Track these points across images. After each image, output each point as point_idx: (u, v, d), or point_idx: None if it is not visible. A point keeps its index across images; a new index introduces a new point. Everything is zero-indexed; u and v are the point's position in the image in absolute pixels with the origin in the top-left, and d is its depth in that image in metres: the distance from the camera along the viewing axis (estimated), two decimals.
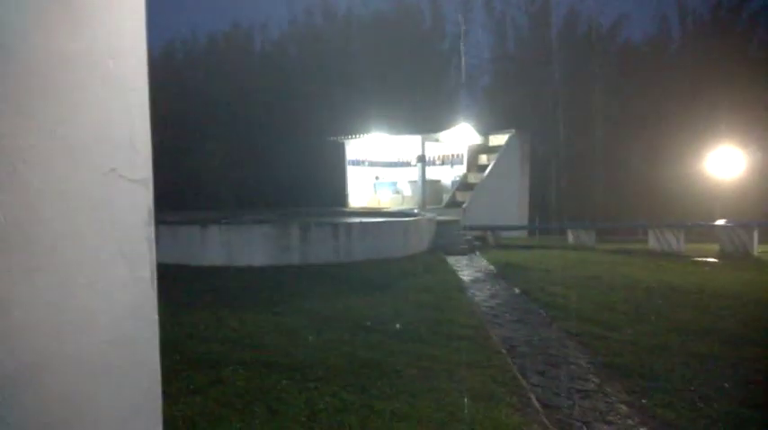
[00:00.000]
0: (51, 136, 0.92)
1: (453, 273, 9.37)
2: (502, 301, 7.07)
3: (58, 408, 0.94)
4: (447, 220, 14.14)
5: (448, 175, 20.65)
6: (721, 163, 16.98)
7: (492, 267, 10.18)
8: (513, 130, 19.81)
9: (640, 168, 22.54)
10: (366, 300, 6.76)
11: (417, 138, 18.22)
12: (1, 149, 0.85)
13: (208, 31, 34.27)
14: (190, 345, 4.67)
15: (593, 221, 19.80)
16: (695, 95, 21.70)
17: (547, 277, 8.79)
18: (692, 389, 3.88)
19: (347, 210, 18.66)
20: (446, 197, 19.35)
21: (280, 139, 24.34)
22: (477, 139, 19.78)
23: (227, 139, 24.43)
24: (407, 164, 20.78)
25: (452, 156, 20.62)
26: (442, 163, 20.92)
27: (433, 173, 20.13)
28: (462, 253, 12.23)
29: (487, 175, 18.51)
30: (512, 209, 19.26)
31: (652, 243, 13.59)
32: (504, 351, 4.80)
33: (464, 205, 17.22)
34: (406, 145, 19.56)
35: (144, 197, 1.08)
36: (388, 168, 21.60)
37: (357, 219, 12.20)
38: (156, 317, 1.12)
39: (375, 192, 20.92)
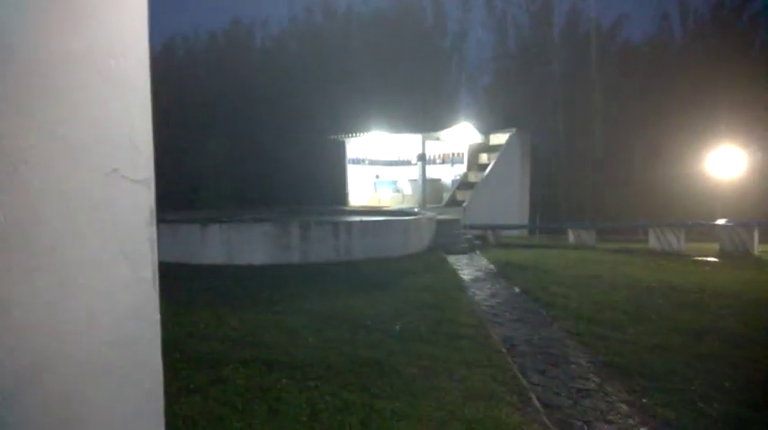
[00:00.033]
0: (52, 136, 0.91)
1: (453, 272, 9.37)
2: (502, 300, 7.07)
3: (59, 409, 0.93)
4: (447, 219, 14.13)
5: (448, 174, 20.64)
6: (722, 163, 16.97)
7: (492, 266, 10.17)
8: (514, 129, 19.79)
9: (641, 168, 22.54)
10: (366, 299, 6.76)
11: (418, 137, 18.21)
12: (2, 150, 0.84)
13: (208, 28, 34.23)
14: (190, 344, 4.67)
15: (594, 220, 19.80)
16: (696, 95, 21.68)
17: (547, 276, 8.78)
18: (693, 388, 3.88)
19: (347, 208, 18.65)
20: (446, 196, 19.35)
21: (280, 138, 24.33)
22: (477, 138, 19.76)
23: (227, 138, 24.41)
24: (408, 162, 20.78)
25: (453, 154, 20.61)
26: (443, 162, 20.91)
27: (433, 171, 20.11)
28: (462, 252, 12.23)
29: (488, 174, 18.50)
30: (512, 208, 19.26)
31: (652, 242, 13.58)
32: (504, 350, 4.80)
33: (464, 204, 17.21)
34: (407, 143, 19.55)
35: (146, 197, 1.08)
36: (388, 167, 21.59)
37: (357, 218, 12.19)
38: (158, 317, 1.12)
39: (375, 190, 20.92)
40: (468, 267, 10.10)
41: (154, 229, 1.10)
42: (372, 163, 21.37)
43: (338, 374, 3.98)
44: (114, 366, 1.02)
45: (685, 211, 18.61)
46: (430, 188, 18.80)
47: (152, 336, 1.10)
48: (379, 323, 5.55)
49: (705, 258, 11.78)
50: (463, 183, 19.46)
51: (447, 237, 12.90)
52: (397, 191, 20.45)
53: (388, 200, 20.03)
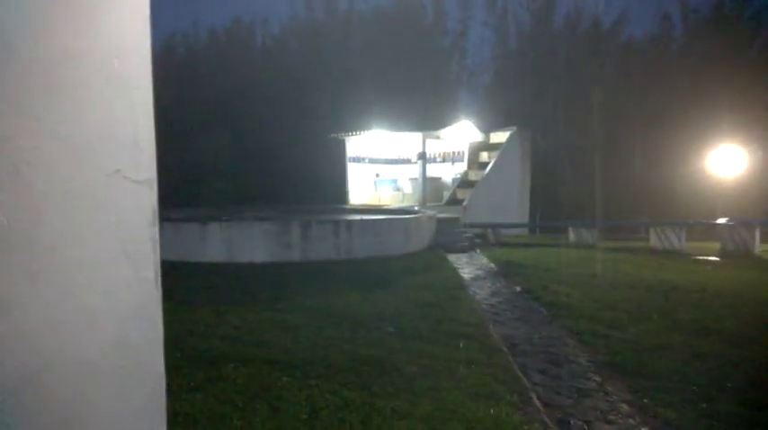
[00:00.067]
0: (54, 136, 0.91)
1: (454, 271, 9.36)
2: (503, 299, 7.06)
3: (60, 411, 0.93)
4: (447, 218, 14.12)
5: (449, 173, 20.62)
6: (723, 161, 16.95)
7: (492, 265, 10.16)
8: (515, 128, 19.76)
9: (642, 166, 22.51)
10: (367, 298, 6.76)
11: (418, 136, 18.19)
12: (4, 151, 0.84)
13: (209, 25, 34.18)
14: (190, 342, 4.67)
15: (595, 219, 19.77)
16: (697, 93, 21.65)
17: (547, 275, 8.78)
18: (695, 388, 3.87)
19: (348, 207, 18.64)
20: (447, 194, 19.33)
21: (280, 136, 24.31)
22: (478, 137, 19.74)
23: (227, 136, 24.38)
24: (408, 161, 20.76)
25: (453, 153, 20.58)
26: (443, 160, 20.89)
27: (433, 170, 20.09)
28: (463, 250, 12.22)
29: (488, 173, 18.48)
30: (512, 206, 19.24)
31: (653, 241, 13.58)
32: (504, 349, 4.79)
33: (465, 203, 17.20)
34: (407, 142, 19.52)
35: (148, 197, 1.07)
36: (388, 165, 21.57)
37: (358, 217, 12.18)
38: (160, 318, 1.11)
39: (376, 189, 20.90)
40: (468, 266, 10.09)
41: (156, 229, 1.09)
42: (373, 161, 21.35)
43: (339, 372, 3.98)
44: (116, 367, 1.01)
45: (686, 210, 18.60)
46: (430, 187, 18.78)
47: (154, 337, 1.09)
48: (380, 322, 5.55)
49: (706, 257, 11.78)
50: (463, 182, 19.44)
51: (447, 236, 12.89)
52: (398, 189, 20.44)
53: (388, 198, 20.02)
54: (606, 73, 24.71)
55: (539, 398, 3.67)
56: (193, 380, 3.76)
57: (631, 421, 3.36)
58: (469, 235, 13.64)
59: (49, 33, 0.89)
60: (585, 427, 3.28)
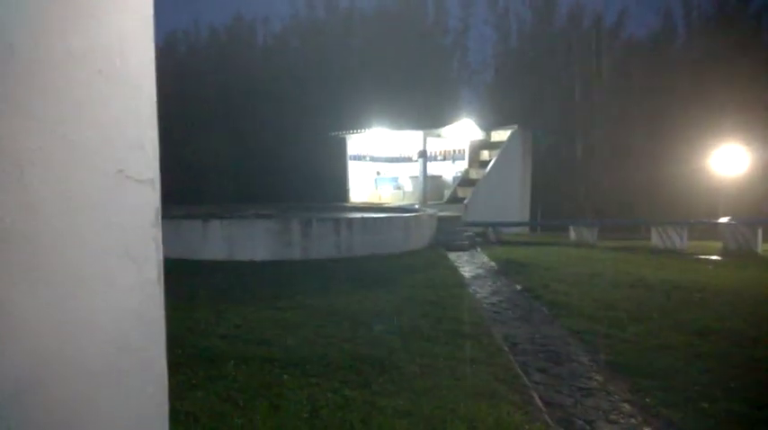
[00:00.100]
0: (57, 136, 0.90)
1: (454, 270, 9.35)
2: (503, 298, 7.05)
3: (62, 414, 0.92)
4: (448, 216, 14.11)
5: (449, 171, 20.60)
6: (725, 160, 16.90)
7: (493, 264, 10.15)
8: (516, 126, 19.74)
9: (643, 165, 22.46)
10: (367, 296, 6.74)
11: (419, 134, 18.17)
12: (5, 151, 0.83)
13: (210, 23, 34.13)
14: (191, 340, 4.66)
15: (596, 218, 19.75)
16: (699, 92, 21.59)
17: (548, 274, 8.76)
18: (697, 388, 3.86)
19: (348, 205, 18.63)
20: (447, 193, 19.32)
21: (281, 134, 24.30)
22: (479, 135, 19.71)
23: (228, 134, 24.38)
24: (409, 159, 20.73)
25: (454, 151, 20.56)
26: (444, 158, 20.86)
27: (434, 168, 20.08)
28: (463, 249, 12.21)
29: (489, 171, 18.46)
30: (513, 205, 19.23)
31: (655, 240, 13.55)
32: (505, 348, 4.78)
33: (465, 201, 17.19)
34: (408, 140, 19.50)
35: (151, 197, 1.06)
36: (389, 163, 21.56)
37: (358, 215, 12.17)
38: (162, 319, 1.10)
39: (376, 187, 20.88)
40: (468, 264, 10.07)
41: (159, 230, 1.08)
42: (373, 159, 21.33)
43: (339, 371, 3.97)
44: (117, 369, 1.00)
45: (688, 209, 18.57)
46: (431, 185, 18.76)
47: (156, 339, 1.08)
48: (380, 320, 5.53)
49: (708, 256, 11.76)
50: (464, 180, 19.42)
51: (448, 234, 12.88)
52: (398, 187, 20.42)
53: (388, 196, 20.01)
54: (607, 71, 24.64)
55: (540, 398, 3.66)
56: (194, 378, 3.75)
57: (633, 421, 3.35)
58: (470, 233, 13.62)
59: (50, 33, 0.88)
60: (588, 427, 3.26)
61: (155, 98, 1.08)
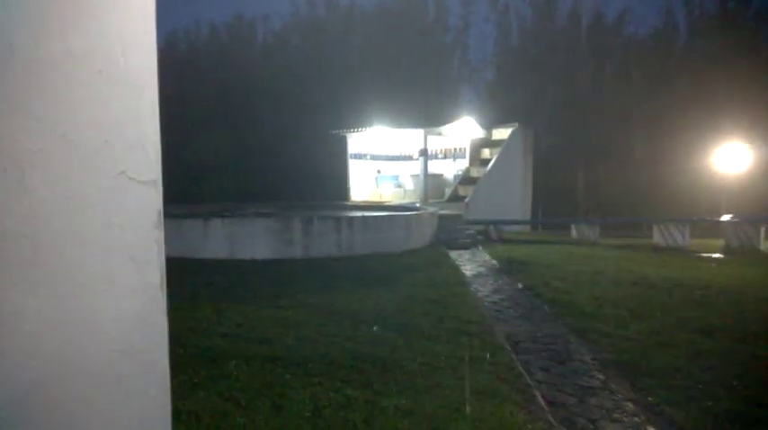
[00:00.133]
0: (58, 137, 0.89)
1: (456, 268, 9.34)
2: (505, 297, 7.04)
3: (64, 417, 0.91)
4: (449, 215, 14.09)
5: (450, 169, 20.58)
6: (727, 158, 16.86)
7: (495, 262, 10.14)
8: (517, 124, 19.70)
9: (645, 163, 22.42)
10: (368, 295, 6.74)
11: (420, 132, 18.14)
12: (5, 152, 0.82)
13: (210, 22, 34.09)
14: (192, 339, 4.65)
15: (597, 216, 19.72)
16: (701, 90, 21.52)
17: (550, 272, 8.75)
18: (700, 386, 3.85)
19: (349, 203, 18.62)
20: (448, 191, 19.30)
21: (282, 133, 24.28)
22: (479, 133, 19.68)
23: (229, 132, 24.36)
24: (410, 157, 20.71)
25: (455, 149, 20.53)
26: (445, 157, 20.83)
27: (435, 167, 20.05)
28: (464, 247, 12.19)
29: (490, 169, 18.43)
30: (514, 203, 19.20)
31: (657, 238, 13.53)
32: (508, 347, 4.77)
33: (466, 199, 17.17)
34: (409, 138, 19.48)
35: (153, 199, 1.06)
36: (390, 162, 21.52)
37: (359, 213, 12.16)
38: (165, 322, 1.10)
39: (377, 185, 20.87)
40: (470, 263, 10.06)
41: (161, 232, 1.08)
42: (374, 158, 21.30)
43: (341, 370, 3.96)
44: (120, 373, 1.00)
45: (690, 207, 18.53)
46: (432, 183, 18.74)
47: (159, 341, 1.07)
48: (382, 319, 5.52)
49: (710, 254, 11.73)
50: (465, 179, 19.39)
51: (449, 233, 12.87)
52: (399, 186, 20.40)
53: (389, 195, 19.99)
54: (609, 69, 24.58)
55: (543, 397, 3.65)
56: (196, 377, 3.75)
57: (636, 420, 3.34)
58: (471, 232, 13.61)
59: (51, 33, 0.87)
60: (591, 426, 3.25)
61: (156, 99, 1.07)
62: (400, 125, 18.81)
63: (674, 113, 21.91)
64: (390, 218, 11.79)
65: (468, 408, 3.34)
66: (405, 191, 19.84)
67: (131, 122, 1.00)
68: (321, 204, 17.47)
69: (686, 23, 26.29)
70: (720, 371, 4.15)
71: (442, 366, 4.13)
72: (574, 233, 15.14)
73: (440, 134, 18.60)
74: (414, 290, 7.13)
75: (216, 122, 24.40)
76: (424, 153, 18.00)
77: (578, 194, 23.96)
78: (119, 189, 0.98)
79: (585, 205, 23.10)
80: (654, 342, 4.92)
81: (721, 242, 12.88)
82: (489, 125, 20.39)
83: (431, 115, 21.12)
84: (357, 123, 19.56)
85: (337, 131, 20.21)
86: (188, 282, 7.39)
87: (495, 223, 15.27)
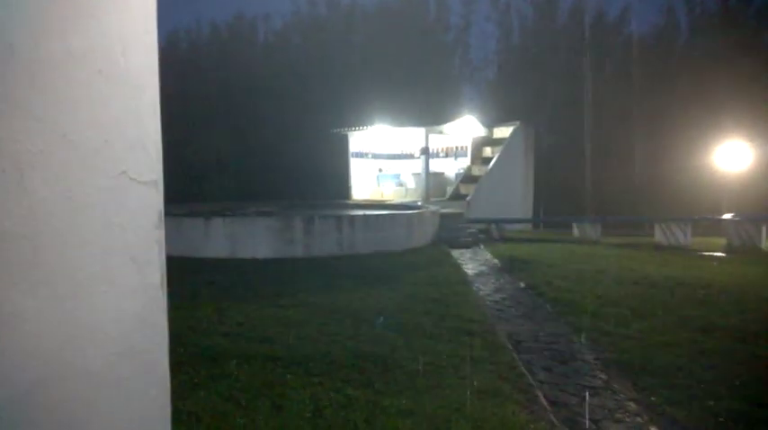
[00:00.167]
0: (58, 137, 0.88)
1: (457, 267, 9.33)
2: (507, 296, 7.03)
3: (64, 418, 0.91)
4: (451, 213, 14.08)
5: (452, 168, 20.56)
6: (728, 156, 16.81)
7: (496, 261, 10.13)
8: (518, 123, 19.68)
9: (646, 161, 22.38)
10: (370, 294, 6.73)
11: (421, 131, 18.12)
12: (5, 152, 0.82)
13: (211, 21, 34.07)
14: (193, 339, 4.66)
15: (599, 215, 19.69)
16: (702, 88, 21.46)
17: (551, 271, 8.73)
18: (702, 385, 3.84)
19: (350, 202, 18.62)
20: (450, 190, 19.28)
21: (283, 131, 24.27)
22: (481, 132, 19.66)
23: (230, 131, 24.36)
24: (411, 156, 20.70)
25: (456, 148, 20.51)
26: (446, 155, 20.82)
27: (436, 165, 20.03)
28: (466, 246, 12.18)
29: (492, 168, 18.41)
30: (516, 202, 19.18)
31: (658, 237, 13.51)
32: (509, 346, 4.76)
33: (468, 198, 17.15)
34: (410, 137, 19.47)
35: (154, 199, 1.05)
36: (391, 161, 21.52)
37: (361, 212, 12.15)
38: (165, 323, 1.09)
39: (378, 184, 20.86)
40: (471, 261, 10.06)
41: (162, 232, 1.07)
42: (375, 156, 21.29)
43: (342, 369, 3.96)
44: (120, 374, 0.99)
45: (692, 206, 18.48)
46: (433, 182, 18.73)
47: (159, 342, 1.07)
48: (383, 318, 5.52)
49: (712, 253, 11.71)
50: (467, 177, 19.37)
51: (450, 231, 12.85)
52: (401, 184, 20.39)
53: (391, 193, 19.98)
54: (611, 67, 24.52)
55: (545, 397, 3.64)
56: (196, 377, 3.75)
57: (639, 419, 3.33)
58: (473, 230, 13.59)
59: (51, 33, 0.87)
60: (593, 426, 3.25)
61: (158, 99, 1.07)
62: (401, 124, 18.80)
63: (676, 112, 21.85)
64: (392, 216, 11.79)
65: (469, 408, 3.34)
66: (406, 189, 19.83)
67: (132, 122, 1.00)
68: (322, 203, 17.47)
69: (687, 22, 26.23)
70: (722, 371, 4.14)
71: (444, 365, 4.12)
72: (575, 232, 15.12)
73: (441, 132, 18.58)
74: (415, 288, 7.12)
75: (217, 121, 24.40)
76: (425, 151, 17.99)
77: (580, 193, 23.92)
78: (119, 189, 0.97)
79: (587, 204, 23.07)
80: (656, 341, 4.91)
81: (723, 241, 12.85)
82: (491, 124, 20.37)
83: (432, 114, 21.09)
84: (358, 122, 19.55)
85: (339, 130, 20.20)
86: (189, 280, 7.39)
87: (497, 222, 15.25)
